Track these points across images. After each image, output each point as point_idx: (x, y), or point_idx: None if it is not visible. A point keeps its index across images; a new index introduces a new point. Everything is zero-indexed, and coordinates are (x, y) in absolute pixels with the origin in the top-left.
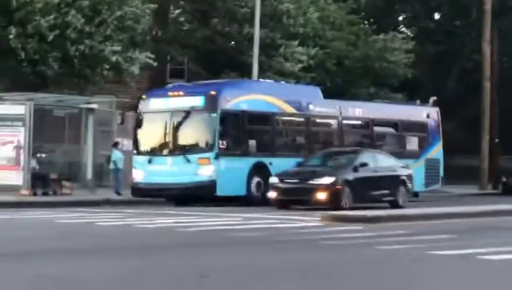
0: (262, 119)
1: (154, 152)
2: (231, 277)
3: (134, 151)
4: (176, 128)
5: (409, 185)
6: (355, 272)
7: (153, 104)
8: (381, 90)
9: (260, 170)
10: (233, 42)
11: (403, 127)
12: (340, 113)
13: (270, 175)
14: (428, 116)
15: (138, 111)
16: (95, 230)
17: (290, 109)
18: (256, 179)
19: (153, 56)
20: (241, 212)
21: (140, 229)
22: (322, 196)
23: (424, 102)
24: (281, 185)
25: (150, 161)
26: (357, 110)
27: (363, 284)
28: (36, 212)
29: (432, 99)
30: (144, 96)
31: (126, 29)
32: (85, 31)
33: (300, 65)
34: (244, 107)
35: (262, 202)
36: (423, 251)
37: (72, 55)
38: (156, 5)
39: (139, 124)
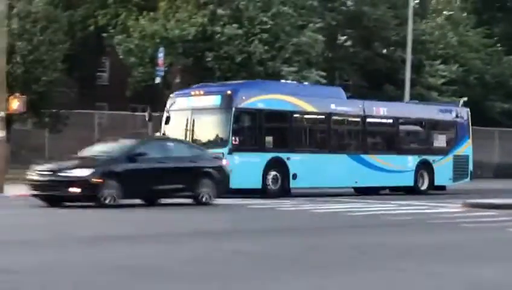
0: (279, 117)
1: None
2: (385, 252)
3: None
4: (196, 125)
5: (218, 177)
6: (488, 249)
7: (177, 102)
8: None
9: (277, 165)
10: (389, 62)
11: (430, 126)
12: (364, 111)
13: (288, 170)
14: (457, 116)
15: (165, 109)
16: (277, 213)
17: (309, 108)
18: (272, 173)
19: (323, 73)
20: (393, 199)
21: (312, 213)
22: (76, 190)
23: None
24: (34, 177)
25: None
26: (382, 110)
27: (492, 258)
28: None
29: (462, 100)
30: (171, 96)
31: (302, 53)
32: (266, 56)
33: (443, 80)
34: (261, 105)
35: (278, 195)
36: None
37: (257, 75)
38: (325, 38)
39: (166, 121)
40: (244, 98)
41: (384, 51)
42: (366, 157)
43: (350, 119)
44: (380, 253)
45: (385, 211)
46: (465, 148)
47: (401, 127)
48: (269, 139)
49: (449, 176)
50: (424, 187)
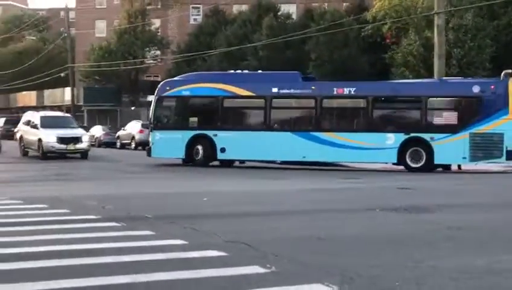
0: (204, 101)
1: None
2: None
3: None
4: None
5: None
6: None
7: None
8: None
9: (202, 140)
10: None
11: (427, 103)
12: (318, 93)
13: (214, 145)
14: (482, 91)
15: None
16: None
17: (243, 92)
18: (196, 147)
19: None
20: None
21: None
22: None
23: None
24: None
25: None
26: (346, 90)
27: None
28: None
29: (503, 72)
30: None
31: None
32: None
33: None
34: (186, 93)
35: (203, 164)
36: None
37: None
38: None
39: None
40: (168, 88)
41: None
42: (317, 134)
43: (299, 100)
44: None
45: None
46: (498, 125)
47: (377, 105)
48: (194, 119)
49: (461, 154)
50: (416, 165)
